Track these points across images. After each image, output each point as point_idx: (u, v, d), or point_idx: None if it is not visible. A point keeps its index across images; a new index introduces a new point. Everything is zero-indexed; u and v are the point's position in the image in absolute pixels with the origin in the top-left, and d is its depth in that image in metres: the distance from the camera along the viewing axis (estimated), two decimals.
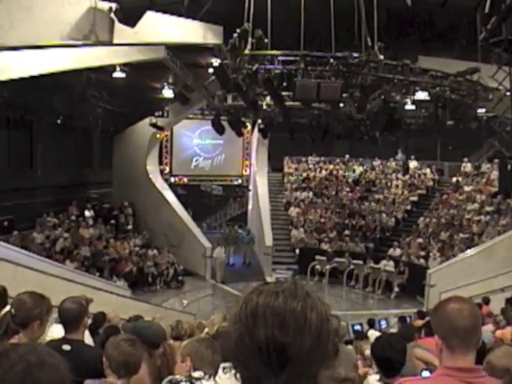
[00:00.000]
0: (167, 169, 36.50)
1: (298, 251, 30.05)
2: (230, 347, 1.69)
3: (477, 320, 2.98)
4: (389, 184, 35.43)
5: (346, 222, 32.49)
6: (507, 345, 8.54)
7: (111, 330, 7.59)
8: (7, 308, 4.54)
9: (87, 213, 28.62)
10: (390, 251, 27.61)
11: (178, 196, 32.69)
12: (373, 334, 13.05)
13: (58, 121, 29.72)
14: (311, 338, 1.63)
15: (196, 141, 37.35)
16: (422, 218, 30.86)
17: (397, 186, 34.84)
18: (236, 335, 1.65)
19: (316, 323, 1.66)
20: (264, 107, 22.55)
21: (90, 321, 6.13)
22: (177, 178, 37.12)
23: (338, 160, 38.78)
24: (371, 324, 15.94)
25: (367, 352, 7.82)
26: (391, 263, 26.14)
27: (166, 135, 35.03)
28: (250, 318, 1.63)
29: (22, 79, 15.52)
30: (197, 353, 4.55)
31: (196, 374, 4.32)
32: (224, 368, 4.31)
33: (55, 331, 5.78)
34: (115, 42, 13.10)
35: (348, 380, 4.07)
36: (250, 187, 37.25)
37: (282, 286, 1.72)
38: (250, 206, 37.38)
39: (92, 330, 9.02)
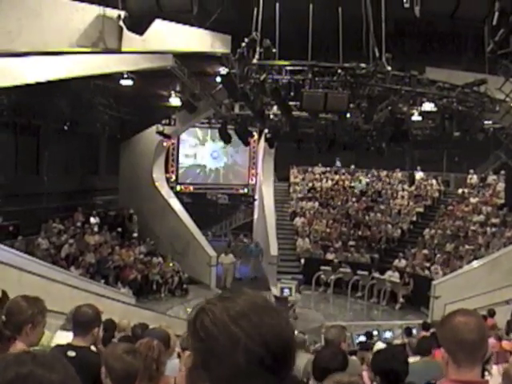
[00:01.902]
0: (173, 177, 36.53)
1: (303, 261, 30.00)
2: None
3: (483, 333, 2.97)
4: (394, 195, 35.40)
5: (352, 232, 32.45)
6: None
7: (126, 341, 7.59)
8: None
9: (93, 219, 28.60)
10: (395, 262, 27.54)
11: (184, 204, 32.68)
12: (379, 346, 13.03)
13: (65, 127, 29.75)
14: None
15: (202, 149, 37.40)
16: (427, 230, 30.81)
17: (402, 197, 34.81)
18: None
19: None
20: (271, 117, 22.64)
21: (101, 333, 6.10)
22: (183, 186, 37.15)
23: (343, 170, 38.82)
24: (369, 336, 15.97)
25: None
26: (396, 274, 26.10)
27: (173, 143, 35.07)
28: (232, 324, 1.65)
29: (30, 85, 15.55)
30: None
31: None
32: None
33: (61, 338, 5.78)
34: (123, 49, 13.12)
35: (351, 383, 4.06)
36: (256, 196, 37.25)
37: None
38: (255, 216, 37.32)
39: (105, 338, 9.02)
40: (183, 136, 35.23)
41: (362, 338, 16.54)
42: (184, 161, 37.39)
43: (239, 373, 1.61)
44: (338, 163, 38.99)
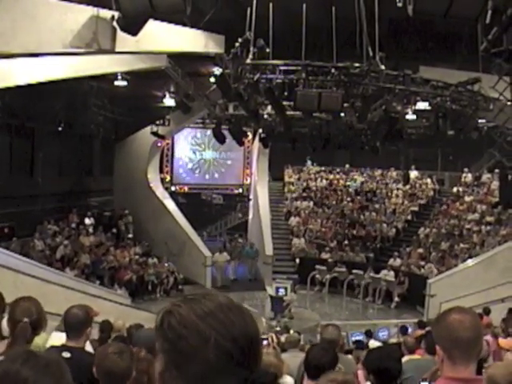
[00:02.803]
0: (168, 177, 36.53)
1: (298, 261, 30.02)
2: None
3: (478, 331, 2.98)
4: (389, 194, 35.45)
5: (347, 231, 32.46)
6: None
7: (120, 341, 7.58)
8: (5, 316, 4.49)
9: (87, 220, 28.59)
10: (391, 261, 27.56)
11: (179, 205, 32.67)
12: (373, 345, 13.04)
13: (60, 128, 29.69)
14: None
15: (197, 150, 37.41)
16: (422, 228, 30.85)
17: (397, 196, 34.84)
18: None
19: None
20: (265, 117, 22.63)
21: (93, 331, 6.07)
22: (177, 187, 37.15)
23: (338, 169, 38.85)
24: (369, 335, 15.95)
25: None
26: (391, 273, 26.11)
27: (167, 144, 35.06)
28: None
29: (24, 86, 15.54)
30: None
31: None
32: None
33: (56, 339, 5.78)
34: (117, 50, 13.12)
35: (346, 382, 4.06)
36: (251, 196, 37.25)
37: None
38: (250, 215, 37.31)
39: (102, 339, 9.04)
40: (178, 136, 35.18)
41: (359, 337, 16.56)
42: (179, 161, 37.37)
43: (210, 369, 1.65)
44: (309, 162, 39.04)
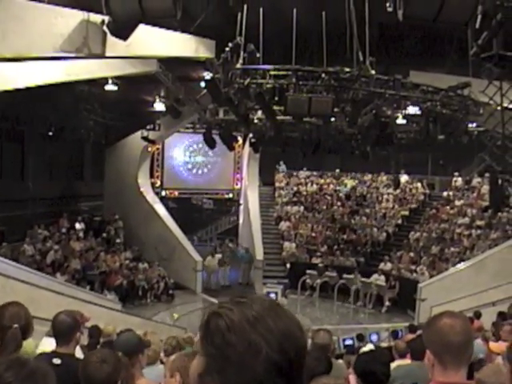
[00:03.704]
0: (158, 182, 36.47)
1: (288, 265, 30.00)
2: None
3: (469, 336, 2.98)
4: (380, 198, 35.48)
5: (337, 236, 32.45)
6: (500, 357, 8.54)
7: (108, 346, 7.57)
8: None
9: (78, 225, 28.51)
10: (381, 265, 27.60)
11: (169, 209, 32.63)
12: (364, 349, 13.02)
13: (50, 133, 29.63)
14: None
15: (187, 154, 37.35)
16: (412, 232, 30.88)
17: (387, 201, 34.87)
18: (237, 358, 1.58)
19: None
20: (255, 121, 22.62)
21: (82, 337, 6.04)
22: (168, 192, 37.09)
23: (329, 174, 38.87)
24: (361, 339, 15.94)
25: None
26: (382, 277, 26.14)
27: (158, 148, 35.02)
28: (249, 329, 1.59)
29: (14, 90, 15.50)
30: (186, 367, 4.51)
31: None
32: None
33: (46, 344, 5.76)
34: (107, 54, 13.13)
35: None
36: (241, 201, 37.24)
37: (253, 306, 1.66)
38: (240, 220, 37.32)
39: (91, 344, 9.02)
40: (168, 141, 35.11)
41: (349, 342, 16.57)
42: (169, 166, 37.27)
43: (256, 380, 1.57)
44: (283, 167, 39.04)
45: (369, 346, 13.71)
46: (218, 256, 29.84)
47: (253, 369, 1.56)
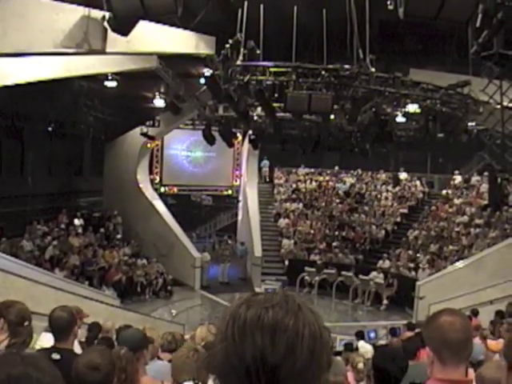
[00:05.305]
0: (157, 178, 36.45)
1: (287, 262, 29.97)
2: (216, 366, 1.58)
3: (469, 333, 2.99)
4: (379, 196, 35.48)
5: (336, 233, 32.42)
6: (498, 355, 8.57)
7: (105, 342, 7.57)
8: None
9: (77, 221, 28.49)
10: (380, 263, 27.62)
11: (168, 206, 32.63)
12: (363, 346, 13.06)
13: (49, 128, 29.64)
14: (303, 357, 1.52)
15: (187, 151, 37.34)
16: (411, 230, 30.90)
17: (386, 198, 34.87)
18: (222, 355, 1.55)
19: (308, 341, 1.54)
20: (255, 118, 22.63)
21: (80, 331, 6.04)
22: (167, 188, 37.08)
23: (328, 171, 38.88)
24: (360, 336, 15.92)
25: (360, 365, 7.76)
26: (381, 275, 26.12)
27: (157, 145, 35.01)
28: (238, 337, 1.53)
29: (14, 86, 15.49)
30: (184, 363, 4.52)
31: None
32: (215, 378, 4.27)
33: (45, 340, 5.76)
34: (108, 50, 13.11)
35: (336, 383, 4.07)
36: (240, 198, 37.23)
37: (272, 299, 1.60)
38: (239, 217, 37.33)
39: (89, 340, 9.02)
40: (167, 137, 35.07)
41: (349, 339, 16.56)
42: (168, 162, 37.25)
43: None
44: (265, 162, 38.79)
45: (361, 344, 13.74)
46: (206, 254, 29.79)
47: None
